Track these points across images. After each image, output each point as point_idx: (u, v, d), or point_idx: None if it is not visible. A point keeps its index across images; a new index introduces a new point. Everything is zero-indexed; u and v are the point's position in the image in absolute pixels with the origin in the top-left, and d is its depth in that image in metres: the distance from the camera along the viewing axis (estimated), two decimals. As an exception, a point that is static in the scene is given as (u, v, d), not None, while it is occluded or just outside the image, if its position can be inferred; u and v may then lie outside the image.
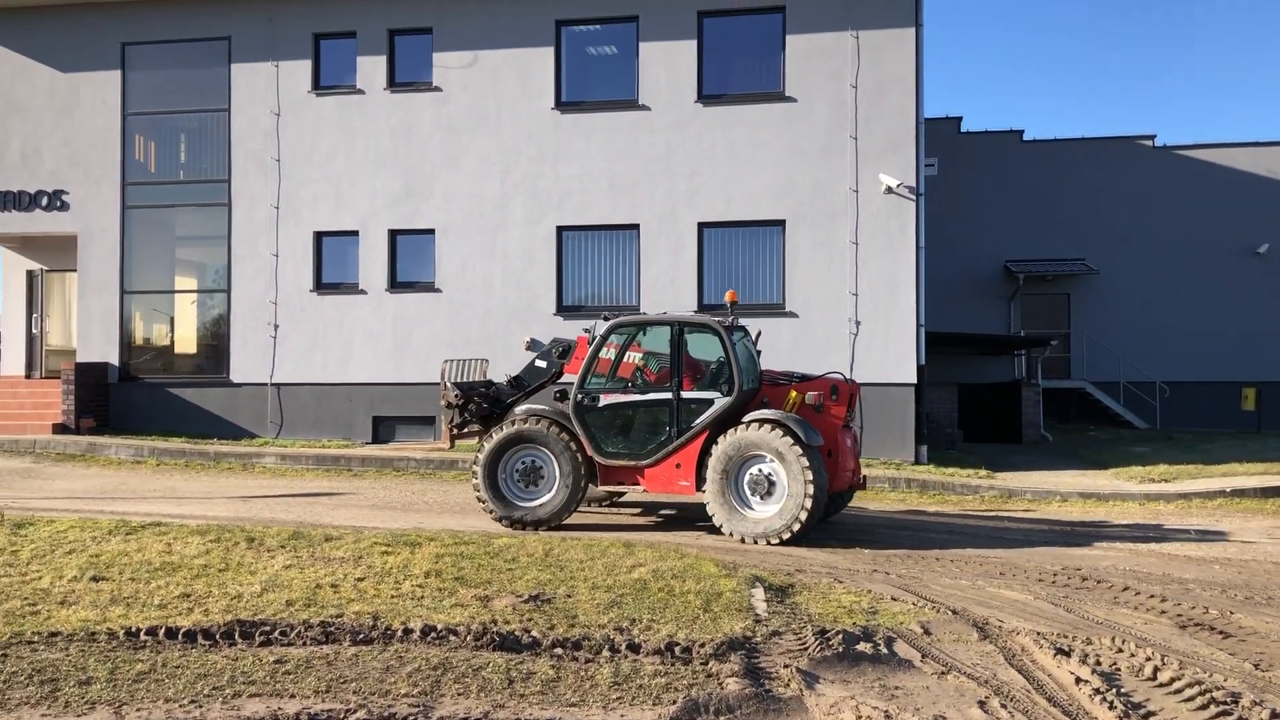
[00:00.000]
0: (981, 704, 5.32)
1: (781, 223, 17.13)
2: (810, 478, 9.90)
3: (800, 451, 9.95)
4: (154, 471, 15.54)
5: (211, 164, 19.52)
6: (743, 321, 11.67)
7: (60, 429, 18.40)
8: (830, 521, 11.46)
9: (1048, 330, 25.64)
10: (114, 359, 19.52)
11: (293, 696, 5.15)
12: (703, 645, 6.11)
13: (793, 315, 17.00)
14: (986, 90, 68.20)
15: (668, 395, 10.64)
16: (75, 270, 20.18)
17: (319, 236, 18.90)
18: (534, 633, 6.28)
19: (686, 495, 10.80)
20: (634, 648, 6.05)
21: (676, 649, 6.05)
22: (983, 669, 5.94)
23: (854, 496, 11.85)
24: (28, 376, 21.49)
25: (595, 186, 17.79)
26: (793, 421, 10.15)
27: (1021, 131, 26.73)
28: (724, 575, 7.96)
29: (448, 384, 11.69)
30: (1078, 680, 5.66)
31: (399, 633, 6.20)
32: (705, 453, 10.43)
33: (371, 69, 18.62)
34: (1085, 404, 25.77)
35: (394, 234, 18.60)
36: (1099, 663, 6.04)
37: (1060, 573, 8.89)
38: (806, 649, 6.19)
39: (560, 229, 17.96)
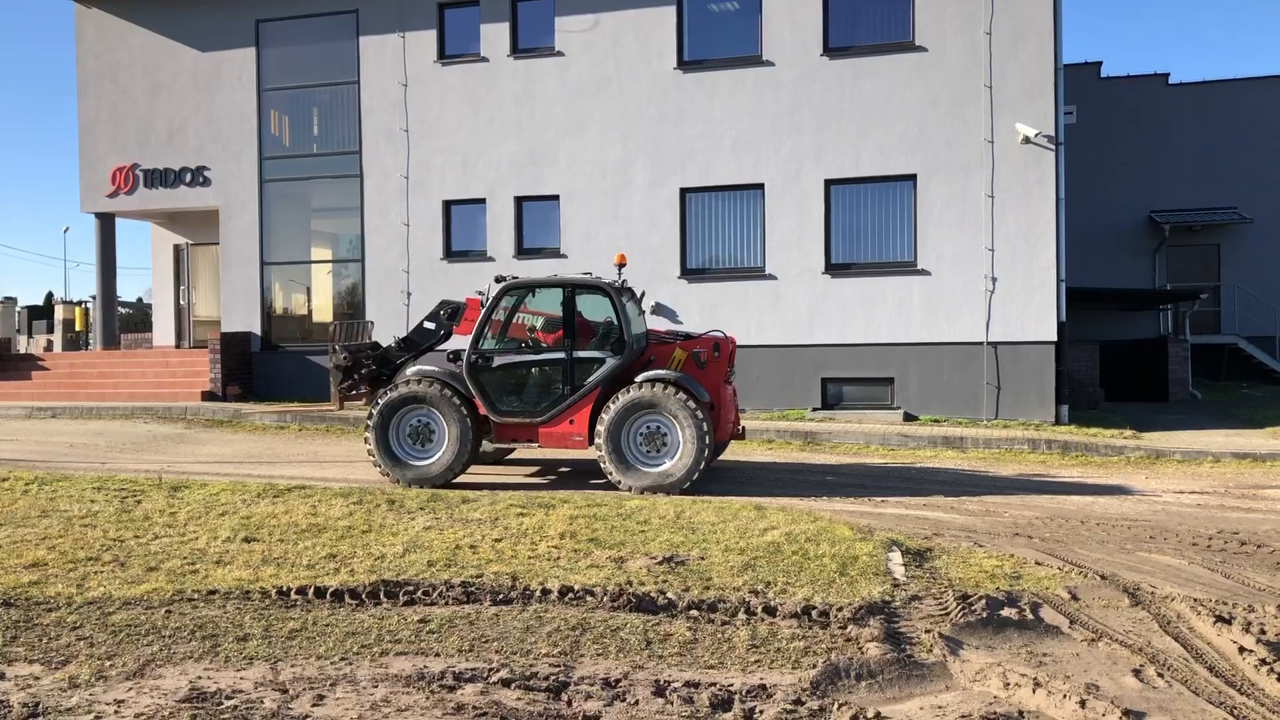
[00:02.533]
0: (1136, 672, 5.09)
1: (912, 177, 16.66)
2: (704, 430, 10.37)
3: (694, 407, 10.39)
4: (296, 436, 16.12)
5: (343, 136, 20.01)
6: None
7: (208, 396, 19.25)
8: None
9: (1196, 283, 24.39)
10: (256, 329, 20.28)
11: (437, 655, 5.26)
12: (840, 609, 6.00)
13: (924, 273, 16.55)
14: (1128, 33, 65.03)
15: (560, 355, 11.05)
16: (218, 244, 21.01)
17: (448, 205, 19.21)
18: (669, 594, 6.27)
19: (580, 450, 11.22)
20: (770, 611, 5.99)
21: (814, 613, 5.96)
22: (1136, 636, 5.69)
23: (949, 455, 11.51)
24: (177, 346, 22.57)
25: (718, 146, 17.59)
26: (684, 380, 10.65)
27: (1167, 75, 25.36)
28: (859, 539, 7.82)
29: (335, 346, 12.09)
30: (1241, 650, 5.36)
31: (537, 593, 6.27)
32: (597, 410, 10.84)
33: (495, 36, 18.75)
34: (1237, 360, 24.47)
35: (519, 201, 18.78)
36: (1264, 631, 5.71)
37: (1215, 536, 8.46)
38: (948, 614, 6.03)
39: (683, 191, 17.85)
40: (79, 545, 7.56)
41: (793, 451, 14.22)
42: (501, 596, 6.22)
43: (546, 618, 5.84)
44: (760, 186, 17.43)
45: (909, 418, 16.43)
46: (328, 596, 6.24)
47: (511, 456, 13.32)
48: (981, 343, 16.28)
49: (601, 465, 10.73)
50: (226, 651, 5.28)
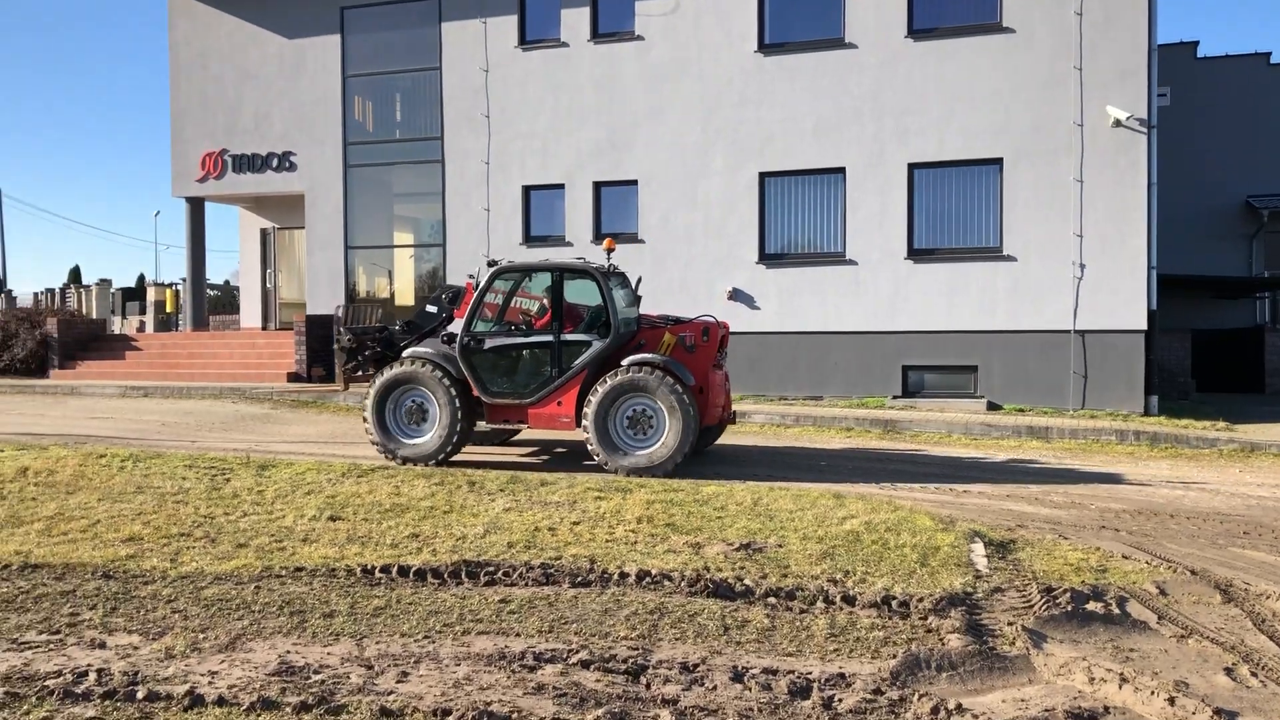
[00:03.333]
0: (1228, 671, 4.95)
1: (998, 161, 16.32)
2: (690, 414, 10.51)
3: (680, 391, 10.54)
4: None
5: (425, 122, 20.24)
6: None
7: (293, 377, 19.69)
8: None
9: (1295, 271, 23.50)
10: (340, 311, 20.64)
11: (518, 635, 5.33)
12: (921, 600, 5.94)
13: (1010, 259, 16.22)
14: (1227, 11, 62.81)
15: (549, 338, 11.23)
16: (303, 228, 21.44)
17: (527, 190, 19.34)
18: (747, 581, 6.26)
19: (567, 431, 11.38)
20: (849, 600, 5.95)
21: (893, 603, 5.91)
22: (1228, 634, 5.53)
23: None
24: (263, 328, 23.11)
25: (799, 130, 17.42)
26: (670, 364, 10.76)
27: (1268, 54, 24.41)
28: (940, 529, 7.72)
29: (340, 329, 12.41)
30: (1342, 651, 5.19)
31: (615, 576, 6.31)
32: (585, 392, 10.98)
33: (575, 21, 18.79)
34: (1338, 351, 23.53)
35: (598, 186, 18.83)
36: (1366, 633, 5.52)
37: (1315, 534, 8.18)
38: (1032, 606, 5.93)
39: (762, 175, 17.72)
40: (172, 521, 7.80)
41: (871, 439, 14.07)
42: (580, 579, 6.28)
43: (624, 601, 5.87)
44: (841, 170, 17.22)
45: (992, 407, 16.14)
46: (411, 575, 6.35)
47: (518, 438, 13.55)
48: (1068, 331, 15.92)
49: (588, 447, 10.88)
50: (314, 627, 5.42)
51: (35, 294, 37.87)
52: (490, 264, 11.81)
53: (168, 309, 28.95)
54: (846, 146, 17.14)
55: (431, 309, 12.27)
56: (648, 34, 18.31)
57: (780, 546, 7.19)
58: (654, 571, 6.37)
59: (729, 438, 14.11)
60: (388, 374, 11.36)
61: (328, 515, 8.03)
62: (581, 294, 11.63)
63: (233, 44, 21.48)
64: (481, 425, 11.82)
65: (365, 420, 11.43)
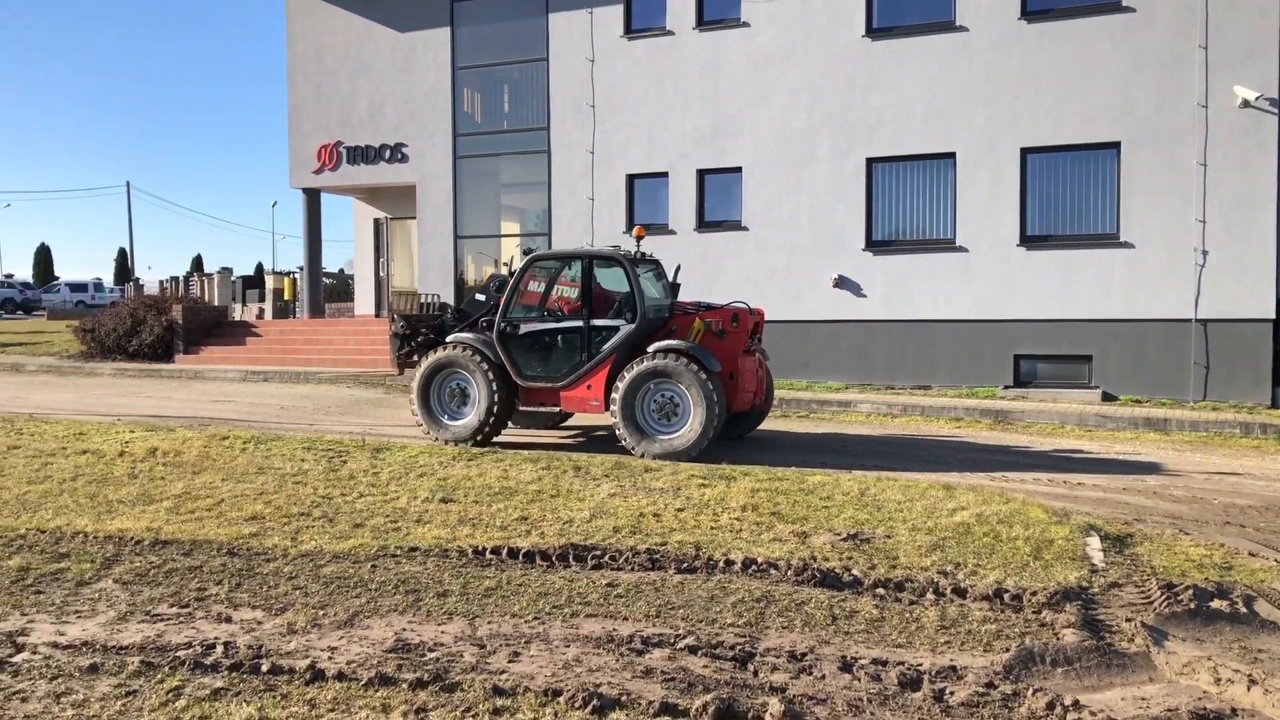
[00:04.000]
0: (1366, 676, 4.74)
1: (1116, 145, 15.78)
2: (714, 400, 10.64)
3: (704, 377, 10.70)
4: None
5: (532, 113, 20.47)
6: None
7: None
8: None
9: None
10: (449, 299, 21.05)
11: (625, 619, 5.39)
12: (1034, 593, 5.81)
13: (1127, 245, 15.69)
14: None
15: (579, 323, 11.55)
16: (414, 218, 21.91)
17: (631, 179, 19.43)
18: (854, 571, 6.22)
19: (598, 414, 11.70)
20: (960, 592, 5.86)
21: (1005, 596, 5.80)
22: (1366, 638, 5.29)
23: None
24: (376, 315, 23.72)
25: (908, 115, 17.12)
26: (694, 349, 10.89)
27: None
28: (1054, 522, 7.53)
29: (394, 315, 12.84)
30: None
31: (721, 563, 6.33)
32: (613, 376, 11.26)
33: (680, 9, 18.77)
34: None
35: (702, 174, 18.81)
36: None
37: None
38: (1151, 603, 5.76)
39: (870, 161, 17.47)
40: (292, 501, 8.08)
41: (982, 430, 13.79)
42: (685, 565, 6.31)
43: (731, 588, 5.89)
44: (951, 156, 16.87)
45: (1107, 398, 15.66)
46: (520, 557, 6.47)
47: (567, 423, 13.80)
48: (1189, 320, 15.34)
49: (616, 430, 11.12)
50: (428, 606, 5.56)
51: (161, 282, 39.48)
52: (525, 253, 12.20)
53: (285, 296, 29.90)
54: (957, 131, 16.78)
55: (480, 297, 12.61)
56: (753, 20, 18.19)
57: (889, 537, 7.12)
58: (760, 560, 6.37)
59: (832, 426, 13.99)
60: (431, 359, 11.91)
61: (440, 497, 8.22)
62: (622, 282, 11.79)
63: (347, 38, 22.03)
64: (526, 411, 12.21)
65: (412, 402, 11.96)
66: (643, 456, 10.74)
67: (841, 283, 17.51)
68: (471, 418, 11.69)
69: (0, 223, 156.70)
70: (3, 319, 45.04)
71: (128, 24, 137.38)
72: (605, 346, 11.39)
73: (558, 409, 11.86)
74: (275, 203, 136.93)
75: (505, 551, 6.55)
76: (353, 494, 8.40)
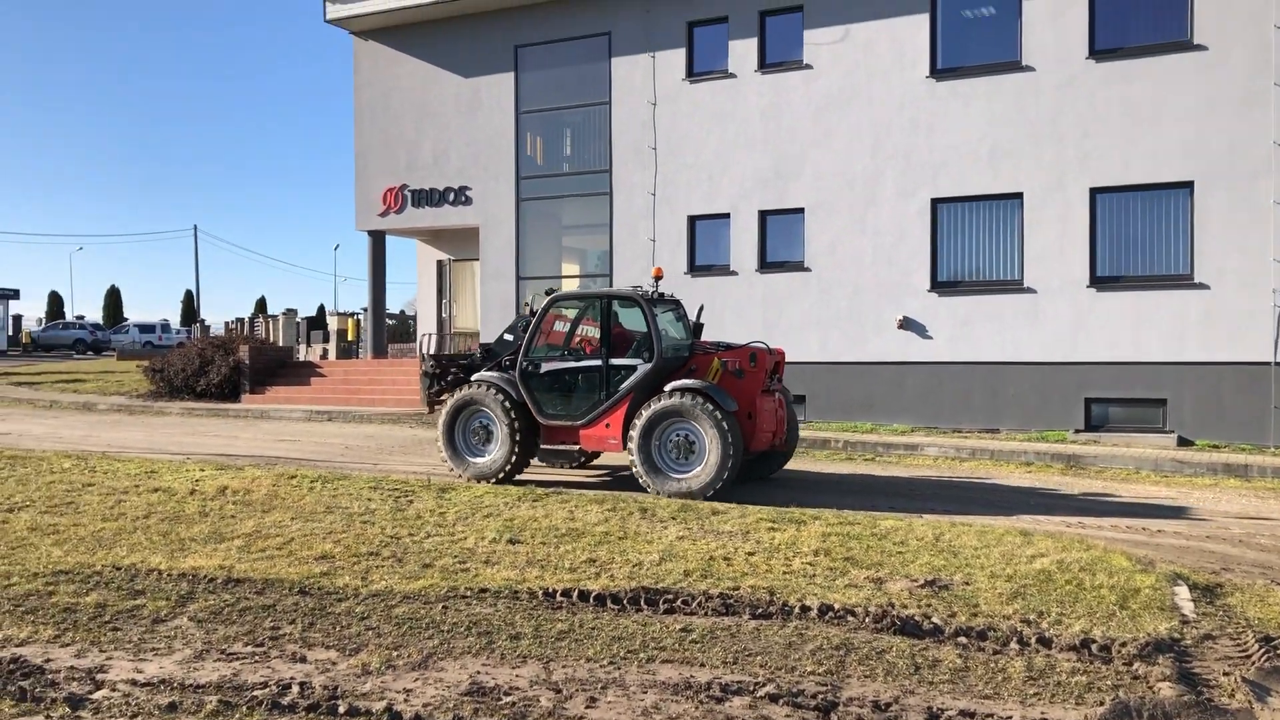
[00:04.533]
0: None
1: (1189, 185, 15.48)
2: (729, 440, 10.62)
3: (719, 416, 10.68)
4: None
5: (594, 155, 20.63)
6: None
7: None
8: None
9: None
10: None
11: (702, 665, 5.28)
12: (1124, 644, 5.60)
13: (1202, 287, 15.33)
14: None
15: (598, 362, 11.66)
16: (477, 259, 22.12)
17: (692, 220, 19.45)
18: (935, 619, 6.04)
19: (616, 452, 11.76)
20: (1045, 642, 5.67)
21: (1094, 646, 5.60)
22: None
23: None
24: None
25: (973, 155, 16.97)
26: (709, 389, 10.91)
27: None
28: (1139, 570, 7.28)
29: (425, 355, 13.17)
30: None
31: (796, 609, 6.20)
32: (631, 415, 11.32)
33: (742, 52, 18.85)
34: None
35: (763, 214, 18.77)
36: None
37: None
38: (1249, 656, 5.52)
39: (935, 201, 17.32)
40: (360, 540, 8.08)
41: (1054, 475, 13.48)
42: (760, 610, 6.19)
43: (808, 635, 5.75)
44: (1018, 196, 16.66)
45: (1183, 442, 15.24)
46: (591, 600, 6.39)
47: (597, 462, 13.93)
48: (1269, 363, 14.92)
49: (633, 469, 11.15)
50: (501, 648, 5.50)
51: (226, 323, 40.25)
52: (546, 293, 12.42)
53: (349, 337, 30.28)
54: (1024, 171, 16.59)
55: (508, 337, 12.75)
56: (815, 62, 18.20)
57: (967, 584, 6.93)
58: (837, 606, 6.23)
59: (900, 469, 13.77)
60: (456, 397, 12.13)
61: (507, 538, 8.18)
62: (643, 322, 11.83)
63: (413, 84, 22.42)
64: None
65: (438, 439, 12.15)
66: (658, 495, 10.72)
67: (907, 324, 17.32)
68: (494, 455, 11.85)
69: (73, 265, 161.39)
70: (74, 359, 46.17)
71: (194, 72, 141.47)
72: (623, 385, 11.47)
73: (577, 447, 11.95)
74: (338, 246, 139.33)
75: (576, 594, 6.47)
76: (420, 534, 8.38)
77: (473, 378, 12.29)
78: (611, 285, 20.11)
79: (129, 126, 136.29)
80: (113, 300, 78.42)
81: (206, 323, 48.19)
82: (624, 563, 7.42)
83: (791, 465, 13.54)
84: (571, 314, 12.36)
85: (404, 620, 5.97)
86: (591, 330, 12.17)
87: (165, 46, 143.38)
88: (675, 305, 12.52)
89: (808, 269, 18.26)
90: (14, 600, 6.26)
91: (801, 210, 18.38)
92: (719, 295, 18.98)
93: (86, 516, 8.97)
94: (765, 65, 18.72)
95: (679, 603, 6.33)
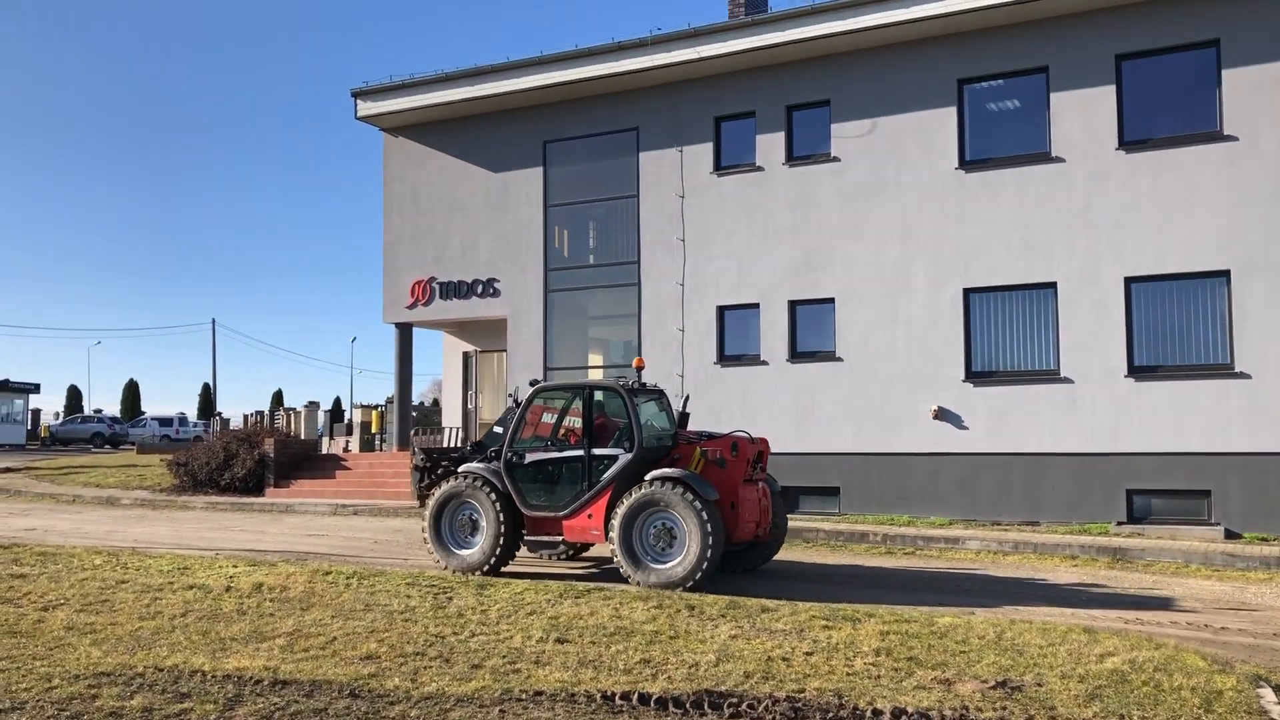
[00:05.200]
0: None
1: (1225, 274, 15.40)
2: (709, 530, 10.45)
3: (699, 506, 10.54)
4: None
5: (622, 247, 20.73)
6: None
7: (494, 496, 19.98)
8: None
9: None
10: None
11: (781, 775, 5.02)
12: (1219, 752, 5.32)
13: (1243, 376, 15.14)
14: None
15: (580, 452, 11.62)
16: (504, 350, 22.10)
17: (721, 311, 19.44)
18: (1014, 724, 5.77)
19: (599, 542, 11.62)
20: (1135, 749, 5.39)
21: (1187, 754, 5.32)
22: None
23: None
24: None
25: (1004, 246, 16.96)
26: (689, 478, 10.77)
27: None
28: (1216, 671, 6.99)
29: (415, 449, 13.14)
30: None
31: (868, 713, 5.94)
32: (613, 505, 11.20)
33: (770, 145, 19.04)
34: None
35: (793, 305, 18.75)
36: None
37: None
38: (1353, 766, 5.23)
39: (967, 291, 17.27)
40: (404, 639, 7.85)
41: (1100, 569, 13.14)
42: (831, 714, 5.93)
43: (885, 741, 5.48)
44: (1052, 285, 16.60)
45: (1230, 535, 14.88)
46: (651, 704, 6.14)
47: (588, 554, 13.81)
48: (1315, 453, 14.65)
49: (614, 559, 11.02)
50: (567, 757, 5.25)
51: (245, 415, 40.16)
52: (531, 384, 12.48)
53: (373, 429, 30.17)
54: (1056, 261, 16.56)
55: (498, 429, 12.66)
56: (844, 155, 18.35)
57: (1039, 685, 6.65)
58: (911, 710, 5.97)
59: (942, 563, 13.45)
60: (442, 489, 12.07)
61: (554, 637, 7.93)
62: (617, 411, 11.84)
63: (442, 179, 22.70)
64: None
65: (423, 530, 12.10)
66: (639, 586, 10.56)
67: (942, 414, 17.13)
68: (480, 547, 11.78)
69: (91, 359, 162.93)
70: (92, 452, 46.15)
71: (208, 173, 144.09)
72: (605, 476, 11.40)
73: (561, 538, 11.84)
74: (355, 338, 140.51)
75: (636, 697, 6.23)
76: (464, 632, 8.15)
77: (459, 469, 12.25)
78: (640, 376, 20.01)
79: (149, 223, 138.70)
80: (131, 393, 78.68)
81: (224, 416, 48.19)
82: (679, 663, 7.17)
83: (831, 560, 13.26)
84: (558, 404, 12.36)
85: (461, 725, 5.73)
86: (577, 420, 12.13)
87: (184, 157, 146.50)
88: (659, 395, 12.54)
89: (839, 359, 18.16)
90: (58, 704, 6.05)
91: (832, 300, 18.35)
92: (749, 386, 18.87)
93: (123, 615, 8.77)
94: (793, 158, 18.88)
95: (744, 706, 6.08)
